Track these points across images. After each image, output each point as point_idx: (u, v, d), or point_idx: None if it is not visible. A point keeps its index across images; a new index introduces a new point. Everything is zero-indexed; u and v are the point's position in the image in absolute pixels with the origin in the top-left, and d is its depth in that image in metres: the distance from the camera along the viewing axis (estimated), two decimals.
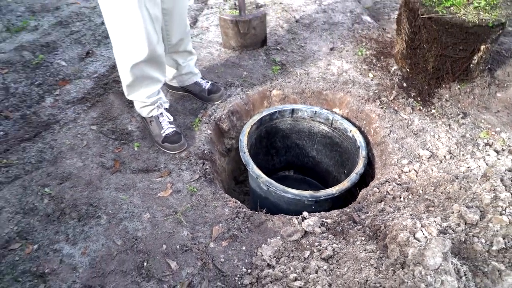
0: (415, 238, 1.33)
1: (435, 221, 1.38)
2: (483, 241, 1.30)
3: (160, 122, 2.24)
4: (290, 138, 2.64)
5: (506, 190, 1.39)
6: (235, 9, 3.20)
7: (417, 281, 1.17)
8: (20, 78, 2.69)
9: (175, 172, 2.14)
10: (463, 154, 2.09)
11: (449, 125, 2.30)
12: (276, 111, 2.45)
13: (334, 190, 2.04)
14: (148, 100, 2.19)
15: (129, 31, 1.87)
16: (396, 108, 2.41)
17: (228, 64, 2.79)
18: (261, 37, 2.86)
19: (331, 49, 2.86)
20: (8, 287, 1.67)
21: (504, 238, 1.28)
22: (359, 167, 2.14)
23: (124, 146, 2.26)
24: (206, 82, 2.52)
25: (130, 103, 2.47)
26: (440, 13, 2.24)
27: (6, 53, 2.91)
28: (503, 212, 1.33)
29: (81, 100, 2.53)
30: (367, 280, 1.35)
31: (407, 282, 1.18)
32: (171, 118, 2.29)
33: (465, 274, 1.24)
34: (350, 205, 1.93)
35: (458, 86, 2.45)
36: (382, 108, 2.40)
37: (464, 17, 2.20)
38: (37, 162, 2.16)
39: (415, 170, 1.99)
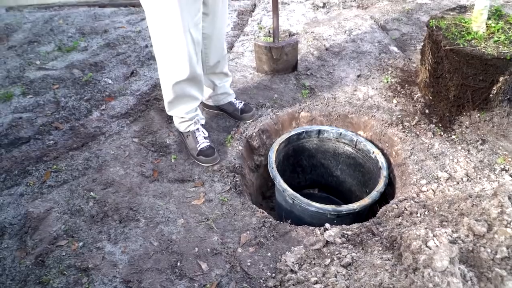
0: (426, 246, 1.45)
1: (446, 232, 1.50)
2: (489, 250, 1.42)
3: (196, 137, 2.44)
4: (315, 158, 2.79)
5: (509, 202, 1.51)
6: (269, 36, 3.43)
7: (425, 281, 1.29)
8: (70, 94, 2.96)
9: (208, 183, 2.32)
10: (479, 177, 2.19)
11: (468, 150, 2.41)
12: (303, 131, 2.62)
13: (355, 205, 2.17)
14: (186, 116, 2.39)
15: (173, 53, 2.09)
16: (417, 132, 2.54)
17: (260, 86, 2.99)
18: (292, 62, 3.06)
19: (358, 76, 3.03)
20: (54, 278, 1.86)
21: (507, 248, 1.39)
22: (380, 186, 2.27)
23: (162, 157, 2.46)
24: (240, 102, 2.72)
25: (169, 119, 2.69)
26: (462, 45, 2.39)
27: (58, 70, 3.21)
28: (508, 225, 1.45)
29: (125, 115, 2.77)
30: (381, 283, 1.48)
31: (417, 282, 1.30)
32: (206, 134, 2.49)
33: (471, 279, 1.35)
34: (369, 220, 2.05)
35: (478, 114, 2.56)
36: (404, 132, 2.54)
37: (484, 50, 2.34)
38: (83, 169, 2.38)
39: (433, 190, 2.10)
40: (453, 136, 2.51)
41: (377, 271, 1.61)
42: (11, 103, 2.88)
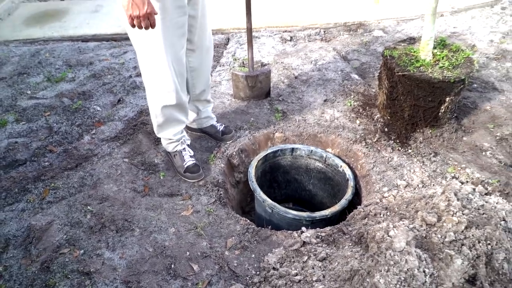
0: (388, 235, 1.75)
1: (403, 224, 1.81)
2: (439, 236, 1.72)
3: (183, 156, 2.70)
4: (290, 173, 3.09)
5: (457, 200, 1.84)
6: (244, 66, 3.77)
7: (388, 259, 1.58)
8: (61, 120, 3.18)
9: (194, 196, 2.57)
10: (432, 184, 2.54)
11: (423, 162, 2.76)
12: (278, 149, 2.92)
13: (327, 212, 2.46)
14: (174, 137, 2.66)
15: (159, 83, 2.34)
16: (378, 148, 2.88)
17: (238, 111, 3.30)
18: (266, 89, 3.40)
19: (325, 100, 3.38)
20: (60, 282, 2.05)
21: (454, 233, 1.70)
22: (348, 194, 2.58)
23: (152, 175, 2.70)
24: (220, 125, 3.01)
25: (156, 141, 2.94)
26: (412, 71, 2.78)
27: (48, 99, 3.43)
28: (454, 214, 1.77)
29: (114, 138, 3.00)
30: (352, 268, 1.76)
31: (380, 261, 1.59)
32: (192, 153, 2.76)
33: (425, 260, 1.65)
34: (340, 223, 2.34)
35: (430, 131, 2.94)
36: (367, 147, 2.88)
37: (431, 75, 2.74)
38: (79, 186, 2.59)
39: (393, 195, 2.43)
40: (410, 150, 2.87)
41: (348, 260, 1.89)
42: (6, 129, 3.08)
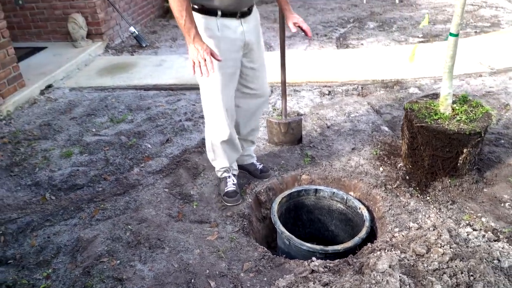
0: (377, 260, 1.94)
1: (396, 254, 1.99)
2: (425, 264, 1.88)
3: (227, 182, 3.08)
4: (313, 213, 3.31)
5: (448, 234, 1.99)
6: (280, 115, 4.13)
7: (371, 279, 1.77)
8: (117, 154, 3.67)
9: (221, 225, 2.87)
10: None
11: (439, 208, 2.89)
12: (302, 189, 3.18)
13: (339, 247, 2.66)
14: (224, 167, 3.05)
15: (215, 121, 2.79)
16: (397, 193, 3.06)
17: (271, 154, 3.63)
18: (297, 136, 3.72)
19: (353, 149, 3.63)
20: (96, 284, 2.39)
21: (439, 263, 1.86)
22: (362, 233, 2.76)
23: (186, 204, 3.05)
24: (259, 164, 3.36)
25: (194, 176, 3.32)
26: (429, 123, 2.99)
27: (109, 136, 3.96)
28: (442, 247, 1.92)
29: (159, 172, 3.42)
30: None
31: (364, 280, 1.78)
32: (235, 181, 3.13)
33: (409, 284, 1.82)
34: (348, 256, 2.52)
35: (449, 180, 3.08)
36: (386, 192, 3.06)
37: (447, 127, 2.93)
38: (124, 209, 2.99)
39: (403, 235, 2.58)
40: (428, 197, 3.02)
41: (344, 284, 2.08)
42: (71, 159, 3.61)
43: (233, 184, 3.11)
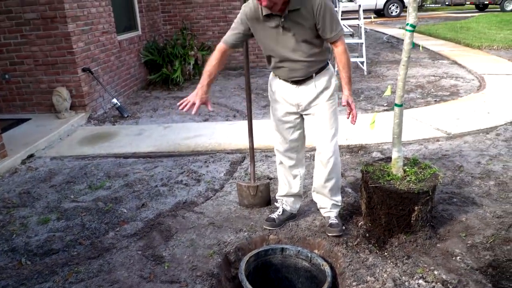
0: None
1: None
2: None
3: (276, 210, 3.75)
4: (280, 272, 3.45)
5: (402, 286, 2.19)
6: (250, 179, 4.38)
7: None
8: (93, 219, 3.83)
9: (191, 284, 3.00)
10: (399, 280, 2.85)
11: (396, 263, 3.09)
12: (270, 248, 3.36)
13: None
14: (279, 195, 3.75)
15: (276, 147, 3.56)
16: (358, 250, 3.26)
17: (241, 216, 3.83)
18: (266, 199, 3.95)
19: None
20: None
21: None
22: None
23: (158, 265, 3.19)
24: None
25: (167, 238, 3.49)
26: (382, 183, 3.28)
27: (86, 202, 4.14)
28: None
29: (133, 235, 3.58)
30: None
31: None
32: (281, 212, 3.68)
33: None
34: None
35: (405, 237, 3.31)
36: (346, 249, 3.26)
37: (398, 187, 3.22)
38: (97, 271, 3.11)
39: None
40: (385, 253, 3.22)
41: None
42: (48, 225, 3.75)
43: (278, 213, 3.67)
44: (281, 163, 3.59)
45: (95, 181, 4.60)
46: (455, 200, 3.89)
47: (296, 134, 3.43)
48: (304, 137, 3.54)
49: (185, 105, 3.06)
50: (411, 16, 2.99)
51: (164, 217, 3.81)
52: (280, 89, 3.26)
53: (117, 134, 6.22)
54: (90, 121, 6.99)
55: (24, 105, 7.10)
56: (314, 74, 3.17)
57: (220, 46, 3.16)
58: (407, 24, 3.02)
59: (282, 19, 2.94)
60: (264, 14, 2.95)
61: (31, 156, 5.45)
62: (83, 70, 6.94)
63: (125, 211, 3.97)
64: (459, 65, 10.20)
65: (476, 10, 26.41)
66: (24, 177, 4.86)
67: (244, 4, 3.09)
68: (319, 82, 3.20)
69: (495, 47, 12.16)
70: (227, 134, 5.96)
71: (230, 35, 3.14)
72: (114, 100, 7.30)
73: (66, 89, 6.77)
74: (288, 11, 2.90)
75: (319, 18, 2.91)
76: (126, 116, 7.22)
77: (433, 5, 30.65)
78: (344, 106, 3.17)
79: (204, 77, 3.14)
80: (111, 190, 4.39)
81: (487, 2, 25.32)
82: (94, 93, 7.31)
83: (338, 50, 3.05)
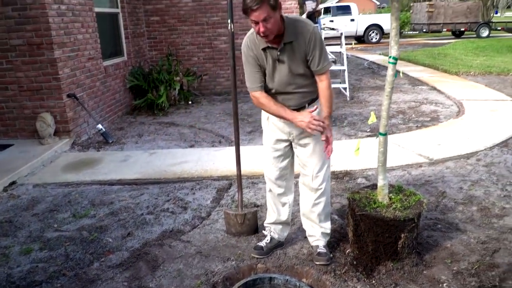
0: None
1: None
2: None
3: (264, 238, 3.72)
4: None
5: None
6: (237, 207, 4.38)
7: None
8: (77, 249, 3.76)
9: None
10: None
11: None
12: (258, 278, 3.34)
13: None
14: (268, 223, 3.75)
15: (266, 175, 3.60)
16: (346, 278, 3.27)
17: (228, 245, 3.81)
18: (254, 227, 3.95)
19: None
20: None
21: None
22: None
23: None
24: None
25: (153, 268, 3.44)
26: (369, 211, 3.32)
27: (70, 231, 4.07)
28: None
29: (119, 265, 3.52)
30: None
31: None
32: (268, 240, 3.68)
33: None
34: None
35: (392, 264, 3.33)
36: (335, 278, 3.27)
37: (384, 214, 3.26)
38: None
39: None
40: (373, 281, 3.24)
41: None
42: (30, 256, 3.67)
43: (266, 241, 3.68)
44: (270, 190, 3.65)
45: (79, 209, 4.54)
46: (439, 226, 3.95)
47: (285, 162, 3.50)
48: (293, 165, 3.59)
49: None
50: (393, 49, 3.10)
51: (150, 247, 3.77)
52: (273, 116, 3.32)
53: (101, 161, 6.17)
54: (74, 147, 6.92)
55: (6, 130, 7.01)
56: (307, 104, 3.26)
57: (259, 94, 3.17)
58: (390, 56, 3.12)
59: (278, 52, 3.03)
60: (261, 47, 3.04)
61: (13, 183, 5.35)
62: (68, 96, 6.92)
63: (110, 240, 3.91)
64: (438, 91, 10.49)
65: (453, 37, 27.34)
66: (5, 205, 4.76)
67: (242, 47, 3.15)
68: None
69: (472, 73, 12.57)
70: (213, 161, 5.97)
71: (254, 80, 3.16)
72: (99, 126, 7.27)
73: (50, 115, 6.72)
74: (284, 43, 2.99)
75: (309, 49, 3.01)
76: (110, 141, 7.17)
77: (411, 32, 31.55)
78: (323, 140, 3.17)
79: (285, 109, 3.13)
80: (95, 218, 4.32)
81: (463, 29, 26.25)
82: (78, 118, 7.26)
83: (322, 85, 3.14)
